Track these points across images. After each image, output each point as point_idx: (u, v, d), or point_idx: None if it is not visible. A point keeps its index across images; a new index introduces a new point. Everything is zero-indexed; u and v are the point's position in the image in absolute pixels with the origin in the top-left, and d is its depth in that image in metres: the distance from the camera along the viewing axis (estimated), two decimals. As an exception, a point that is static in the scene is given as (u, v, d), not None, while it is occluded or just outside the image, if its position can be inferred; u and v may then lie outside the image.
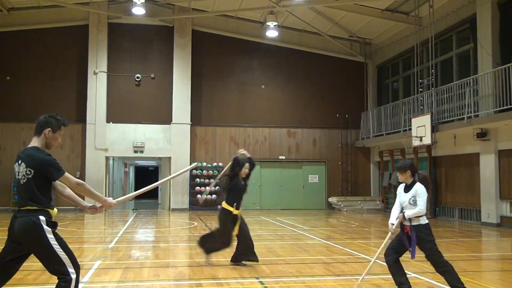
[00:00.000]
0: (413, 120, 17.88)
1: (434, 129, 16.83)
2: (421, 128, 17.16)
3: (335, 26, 22.33)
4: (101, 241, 12.12)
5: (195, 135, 22.62)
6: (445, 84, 17.58)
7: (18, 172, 4.24)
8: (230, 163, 8.24)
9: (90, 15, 21.92)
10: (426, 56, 18.91)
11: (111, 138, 21.85)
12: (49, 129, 4.31)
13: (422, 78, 19.01)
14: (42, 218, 4.12)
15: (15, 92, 21.59)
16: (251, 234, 8.20)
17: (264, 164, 23.22)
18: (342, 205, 22.26)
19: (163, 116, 22.31)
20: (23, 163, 4.20)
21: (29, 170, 4.16)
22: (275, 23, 21.33)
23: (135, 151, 22.06)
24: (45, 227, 4.12)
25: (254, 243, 8.08)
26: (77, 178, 4.49)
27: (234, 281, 6.92)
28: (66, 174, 4.27)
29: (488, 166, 15.64)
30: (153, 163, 33.71)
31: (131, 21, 22.35)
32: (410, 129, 18.13)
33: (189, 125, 22.29)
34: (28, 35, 21.92)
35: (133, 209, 23.36)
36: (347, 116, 23.84)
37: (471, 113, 15.40)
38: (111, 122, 21.89)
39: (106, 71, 21.90)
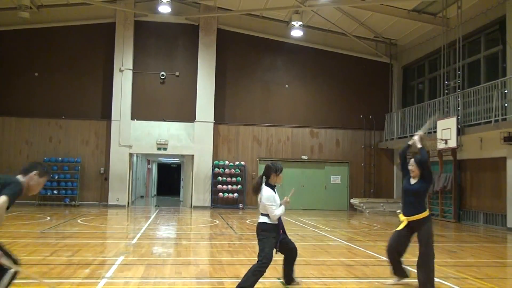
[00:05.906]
0: (438, 122, 17.65)
1: (459, 132, 16.59)
2: (446, 131, 16.94)
3: (360, 26, 22.17)
4: (124, 237, 12.25)
5: (218, 134, 22.72)
6: (472, 86, 17.29)
7: None
8: None
9: (116, 13, 22.20)
10: (453, 58, 18.65)
11: (135, 135, 22.08)
12: None
13: (448, 80, 18.74)
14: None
15: (42, 88, 21.99)
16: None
17: (286, 164, 23.15)
18: (364, 207, 22.10)
19: (187, 114, 22.45)
20: None
21: None
22: (300, 23, 21.28)
23: (159, 148, 22.25)
24: None
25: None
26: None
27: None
28: None
29: (515, 170, 15.35)
30: (175, 160, 33.94)
31: (157, 20, 22.57)
32: (435, 132, 17.91)
33: (213, 123, 22.39)
34: (56, 32, 22.30)
35: (155, 206, 23.58)
36: (371, 117, 23.67)
37: (498, 116, 15.13)
38: (135, 119, 22.12)
39: (131, 68, 22.15)
